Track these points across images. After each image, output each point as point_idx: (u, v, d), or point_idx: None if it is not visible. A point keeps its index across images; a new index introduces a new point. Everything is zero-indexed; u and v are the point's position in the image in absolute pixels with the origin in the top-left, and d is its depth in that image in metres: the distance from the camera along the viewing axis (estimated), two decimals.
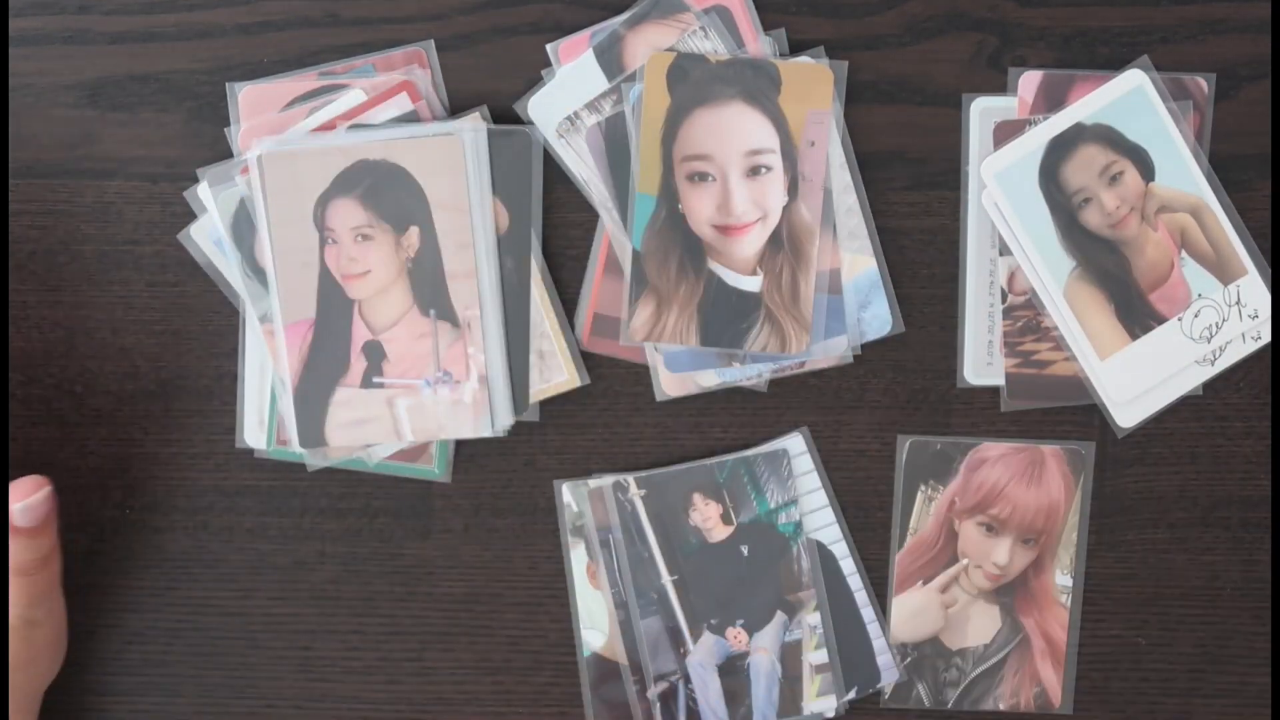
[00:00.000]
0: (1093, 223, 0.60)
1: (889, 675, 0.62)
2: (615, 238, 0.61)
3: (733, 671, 0.62)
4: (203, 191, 0.61)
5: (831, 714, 0.62)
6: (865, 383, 0.62)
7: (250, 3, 0.62)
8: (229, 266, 0.61)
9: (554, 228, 0.62)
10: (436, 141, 0.60)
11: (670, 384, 0.62)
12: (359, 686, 0.63)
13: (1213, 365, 0.61)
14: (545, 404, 0.62)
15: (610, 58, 0.60)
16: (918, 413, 0.62)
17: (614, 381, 0.62)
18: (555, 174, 0.61)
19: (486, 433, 0.60)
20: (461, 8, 0.62)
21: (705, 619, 0.61)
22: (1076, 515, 0.62)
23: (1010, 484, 0.62)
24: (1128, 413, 0.61)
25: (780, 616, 0.62)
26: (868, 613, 0.62)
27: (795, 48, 0.61)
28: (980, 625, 0.62)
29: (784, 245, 0.60)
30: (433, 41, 0.61)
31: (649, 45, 0.60)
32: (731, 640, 0.62)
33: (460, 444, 0.62)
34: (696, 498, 0.62)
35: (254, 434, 0.62)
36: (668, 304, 0.60)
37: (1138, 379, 0.60)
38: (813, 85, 0.60)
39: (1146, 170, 0.60)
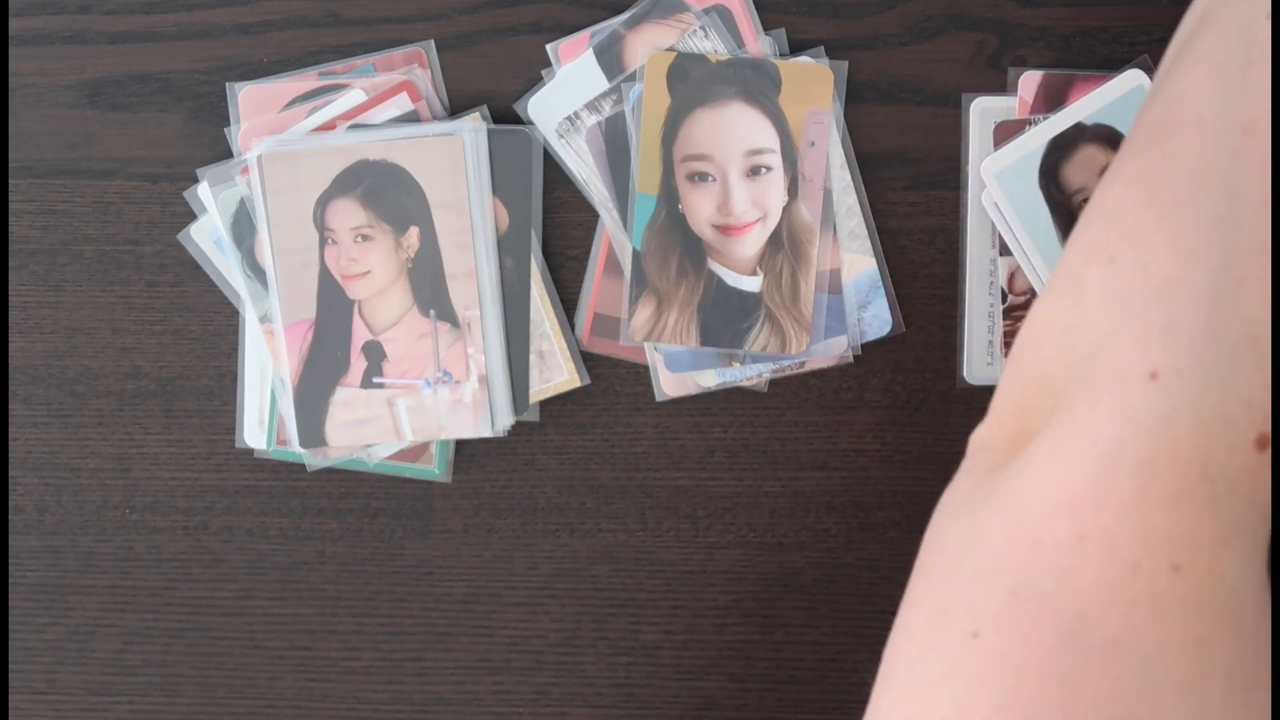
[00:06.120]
0: None
1: None
2: (615, 238, 0.61)
3: None
4: (203, 191, 0.61)
5: None
6: (865, 383, 0.62)
7: (250, 3, 0.62)
8: (229, 266, 0.61)
9: (554, 228, 0.62)
10: (436, 141, 0.60)
11: (670, 384, 0.62)
12: (359, 686, 0.63)
13: None
14: (545, 404, 0.62)
15: (610, 58, 0.60)
16: (918, 413, 0.62)
17: (614, 381, 0.62)
18: (555, 174, 0.61)
19: (486, 433, 0.60)
20: (461, 8, 0.62)
21: None
22: None
23: None
24: None
25: None
26: None
27: (795, 48, 0.61)
28: None
29: (784, 245, 0.60)
30: (433, 41, 0.61)
31: (649, 45, 0.60)
32: None
33: (460, 444, 0.62)
34: None
35: (254, 434, 0.62)
36: (668, 304, 0.60)
37: None
38: (813, 85, 0.60)
39: None
